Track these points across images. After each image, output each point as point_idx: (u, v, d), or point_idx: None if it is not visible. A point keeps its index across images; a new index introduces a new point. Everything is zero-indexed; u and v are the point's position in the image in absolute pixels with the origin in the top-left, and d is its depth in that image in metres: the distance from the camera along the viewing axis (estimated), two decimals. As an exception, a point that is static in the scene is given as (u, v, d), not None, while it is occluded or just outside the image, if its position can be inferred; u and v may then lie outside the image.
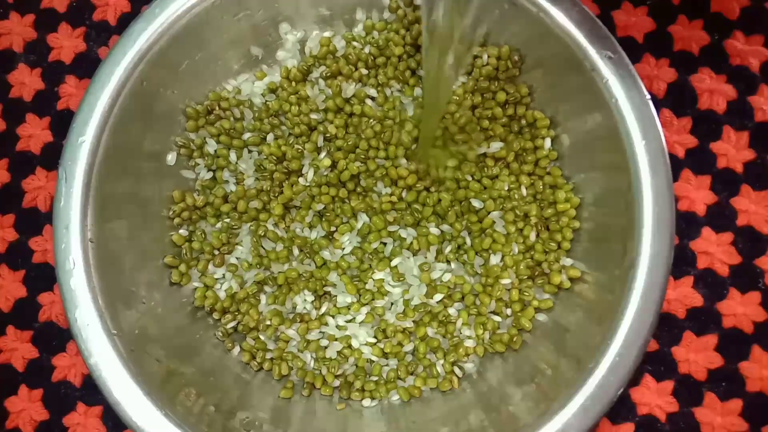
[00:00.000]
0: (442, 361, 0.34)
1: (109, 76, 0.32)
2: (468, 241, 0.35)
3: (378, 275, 0.35)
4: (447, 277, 0.34)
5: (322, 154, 0.35)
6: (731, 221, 0.35)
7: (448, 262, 0.35)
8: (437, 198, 0.35)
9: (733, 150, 0.36)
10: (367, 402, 0.34)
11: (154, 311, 0.33)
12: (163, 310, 0.33)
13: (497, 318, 0.34)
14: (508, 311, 0.34)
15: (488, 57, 0.35)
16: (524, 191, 0.35)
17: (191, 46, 0.34)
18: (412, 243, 0.35)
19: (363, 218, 0.35)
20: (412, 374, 0.34)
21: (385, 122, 0.35)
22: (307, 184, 0.35)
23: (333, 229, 0.35)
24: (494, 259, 0.34)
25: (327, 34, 0.37)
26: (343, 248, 0.35)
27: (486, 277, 0.34)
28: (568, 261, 0.34)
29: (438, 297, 0.34)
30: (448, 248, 0.34)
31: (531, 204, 0.34)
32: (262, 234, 0.35)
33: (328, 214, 0.35)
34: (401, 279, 0.34)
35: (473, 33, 0.30)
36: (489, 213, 0.35)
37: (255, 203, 0.35)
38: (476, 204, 0.34)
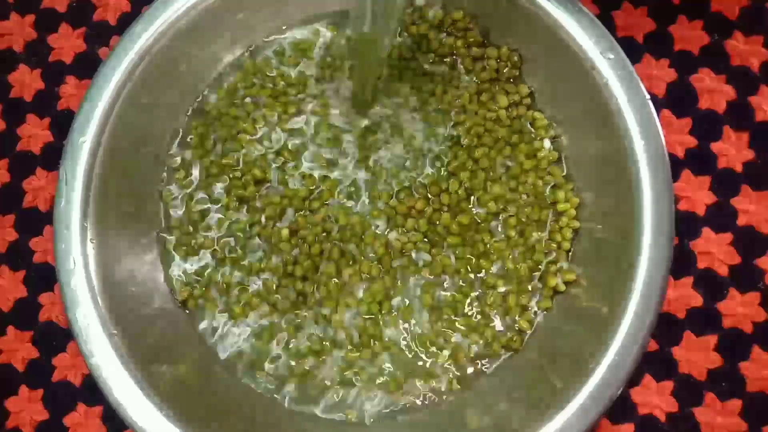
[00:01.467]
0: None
1: (110, 76, 0.32)
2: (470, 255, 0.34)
3: (388, 332, 0.34)
4: (450, 291, 0.34)
5: (282, 223, 0.34)
6: (731, 221, 0.35)
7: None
8: (450, 217, 0.34)
9: (733, 150, 0.36)
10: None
11: (155, 311, 0.33)
12: (163, 310, 0.33)
13: (497, 320, 0.34)
14: (508, 313, 0.34)
15: (488, 58, 0.35)
16: (525, 196, 0.34)
17: (192, 46, 0.34)
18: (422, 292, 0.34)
19: (362, 287, 0.34)
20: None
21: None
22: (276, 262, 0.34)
23: (326, 311, 0.34)
24: (495, 267, 0.34)
25: (329, 34, 0.36)
26: (345, 325, 0.34)
27: (486, 282, 0.34)
28: (567, 262, 0.34)
29: (443, 316, 0.34)
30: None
31: (532, 204, 0.34)
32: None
33: (316, 290, 0.34)
34: (409, 318, 0.34)
35: None
36: (491, 217, 0.34)
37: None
38: (479, 210, 0.34)
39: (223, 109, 0.36)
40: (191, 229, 0.35)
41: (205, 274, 0.35)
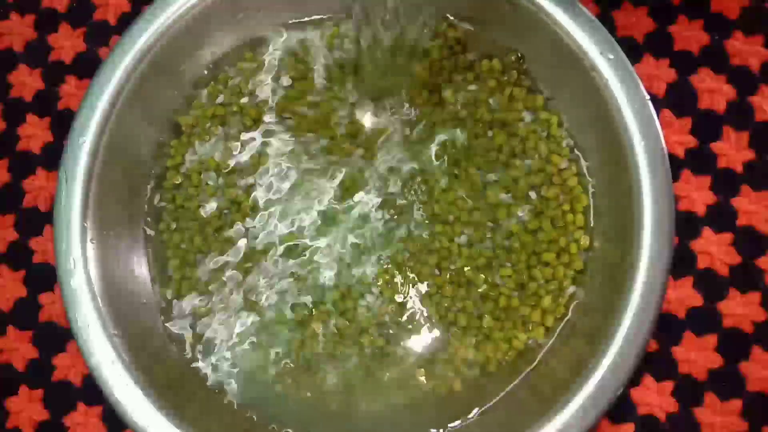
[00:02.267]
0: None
1: (109, 76, 0.32)
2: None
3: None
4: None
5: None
6: (731, 221, 0.35)
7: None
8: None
9: (733, 150, 0.36)
10: None
11: (155, 311, 0.33)
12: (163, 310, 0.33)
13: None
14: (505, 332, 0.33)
15: (487, 59, 0.35)
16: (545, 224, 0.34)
17: (192, 46, 0.34)
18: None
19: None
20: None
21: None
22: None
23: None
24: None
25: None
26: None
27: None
28: (574, 286, 0.33)
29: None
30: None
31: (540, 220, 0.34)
32: None
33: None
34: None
35: None
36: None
37: None
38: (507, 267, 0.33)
39: (203, 125, 0.35)
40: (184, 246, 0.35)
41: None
